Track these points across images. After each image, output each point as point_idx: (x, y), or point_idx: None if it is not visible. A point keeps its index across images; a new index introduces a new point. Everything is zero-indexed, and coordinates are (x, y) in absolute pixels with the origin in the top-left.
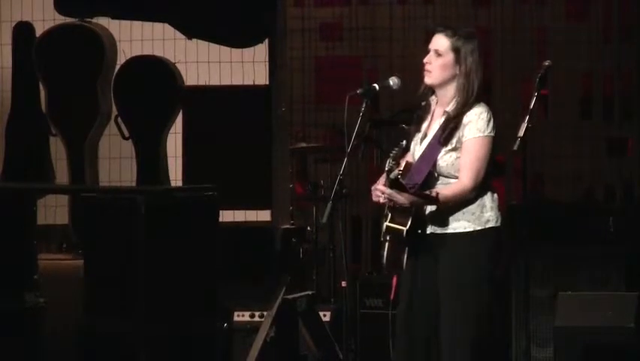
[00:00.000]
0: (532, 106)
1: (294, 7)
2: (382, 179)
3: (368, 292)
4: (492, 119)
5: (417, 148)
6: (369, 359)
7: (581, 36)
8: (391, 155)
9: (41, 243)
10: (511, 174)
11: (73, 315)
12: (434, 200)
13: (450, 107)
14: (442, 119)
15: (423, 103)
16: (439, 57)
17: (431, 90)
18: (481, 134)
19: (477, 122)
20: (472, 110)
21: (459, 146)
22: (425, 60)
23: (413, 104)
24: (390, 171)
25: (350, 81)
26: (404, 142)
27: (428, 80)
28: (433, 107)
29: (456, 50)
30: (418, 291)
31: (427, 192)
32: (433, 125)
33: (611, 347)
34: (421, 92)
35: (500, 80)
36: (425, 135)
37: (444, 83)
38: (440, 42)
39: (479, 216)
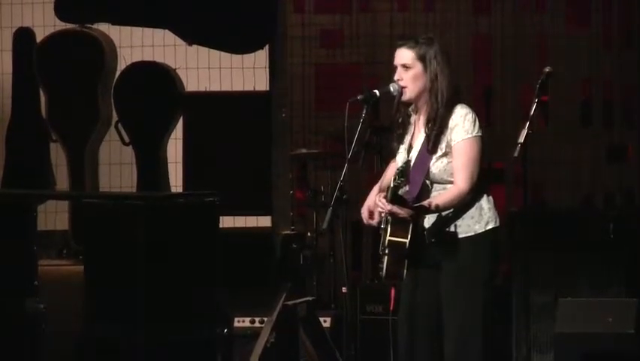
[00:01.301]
0: (532, 112)
1: (295, 14)
2: (372, 198)
3: (368, 298)
4: (477, 120)
5: (402, 160)
6: None
7: (581, 42)
8: (397, 171)
9: (42, 249)
10: (511, 180)
11: (74, 321)
12: (435, 210)
13: (430, 114)
14: (425, 127)
15: (400, 119)
16: (408, 70)
17: (405, 104)
18: (470, 136)
19: (464, 125)
20: (455, 113)
21: (449, 150)
22: (396, 77)
23: (392, 122)
24: (397, 187)
25: (350, 88)
26: (409, 157)
27: (405, 96)
28: (413, 119)
29: (422, 58)
30: (418, 296)
31: (426, 203)
32: (416, 135)
33: (611, 353)
34: (396, 108)
35: (501, 86)
36: (411, 146)
37: (420, 94)
38: (405, 55)
39: (479, 219)
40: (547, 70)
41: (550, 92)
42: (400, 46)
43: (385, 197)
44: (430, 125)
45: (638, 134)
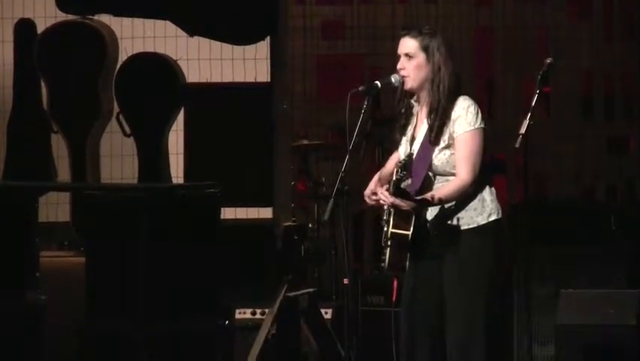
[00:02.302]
0: (533, 104)
1: (296, 5)
2: (374, 183)
3: (370, 289)
4: (479, 112)
5: (406, 151)
6: (371, 357)
7: (582, 34)
8: (400, 164)
9: (43, 240)
10: (512, 172)
11: (75, 313)
12: (437, 203)
13: (432, 105)
14: (428, 118)
15: (402, 110)
16: (411, 59)
17: (409, 95)
18: (472, 128)
19: (466, 116)
20: (458, 105)
21: (451, 142)
22: (398, 66)
23: (393, 114)
24: (400, 180)
25: (352, 79)
26: (412, 148)
27: (407, 85)
28: (415, 110)
29: (425, 49)
30: (420, 290)
31: (429, 196)
32: (419, 126)
33: (612, 345)
34: (399, 98)
35: (502, 78)
36: (414, 138)
37: (422, 84)
38: (409, 44)
39: (481, 211)
40: (548, 61)
41: (551, 84)
42: (404, 35)
43: (388, 190)
44: (432, 116)
45: (639, 126)
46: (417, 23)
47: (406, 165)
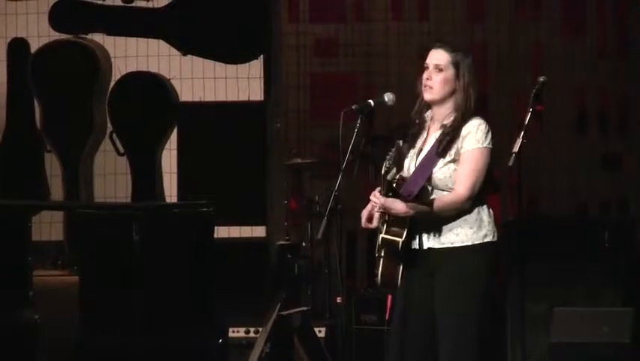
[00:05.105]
0: (526, 122)
1: (289, 23)
2: (370, 205)
3: (363, 307)
4: (490, 132)
5: (412, 164)
6: None
7: (576, 51)
8: (388, 157)
9: (36, 259)
10: (506, 189)
11: (69, 331)
12: (427, 209)
13: (447, 121)
14: (438, 133)
15: (417, 120)
16: (440, 72)
17: (426, 106)
18: (480, 146)
19: (476, 134)
20: (469, 123)
21: (457, 158)
22: (425, 76)
23: (407, 121)
24: (387, 172)
25: (345, 97)
26: (400, 142)
27: (429, 95)
28: (427, 123)
29: (456, 65)
30: (411, 305)
31: (421, 203)
32: (428, 140)
33: None
34: (417, 109)
35: (496, 95)
36: (421, 150)
37: (443, 99)
38: (441, 57)
39: (477, 231)
40: (541, 79)
41: (545, 101)
42: (438, 47)
43: (380, 191)
44: (444, 131)
45: (633, 143)
46: (409, 42)
47: (393, 158)
